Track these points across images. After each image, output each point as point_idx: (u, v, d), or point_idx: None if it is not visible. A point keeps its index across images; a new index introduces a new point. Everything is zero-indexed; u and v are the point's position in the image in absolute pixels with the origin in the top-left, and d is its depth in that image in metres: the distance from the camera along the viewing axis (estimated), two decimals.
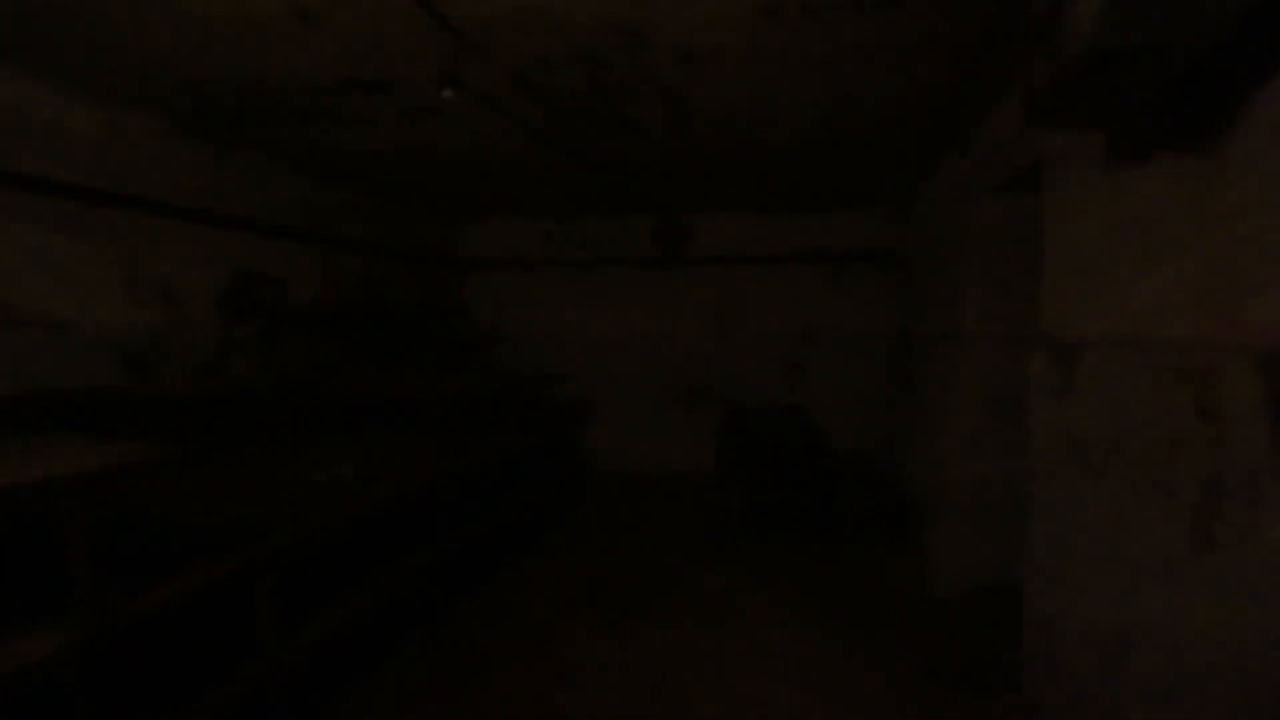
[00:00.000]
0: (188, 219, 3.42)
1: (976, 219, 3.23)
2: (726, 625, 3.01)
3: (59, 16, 2.20)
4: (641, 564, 3.77)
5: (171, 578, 1.74)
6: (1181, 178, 1.44)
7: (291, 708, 2.20)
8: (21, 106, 2.83)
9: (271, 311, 3.89)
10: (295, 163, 3.93)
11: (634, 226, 5.78)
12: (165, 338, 3.36)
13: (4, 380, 2.80)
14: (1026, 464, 2.34)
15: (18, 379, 2.86)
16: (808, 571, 3.66)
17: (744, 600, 3.28)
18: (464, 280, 6.19)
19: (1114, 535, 1.70)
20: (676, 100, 2.93)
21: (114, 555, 1.76)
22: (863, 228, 5.35)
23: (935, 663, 2.66)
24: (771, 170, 4.08)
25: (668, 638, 2.88)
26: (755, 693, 2.46)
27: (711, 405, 5.74)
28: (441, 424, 3.53)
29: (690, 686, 2.50)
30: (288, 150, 3.68)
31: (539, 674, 2.60)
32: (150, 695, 1.77)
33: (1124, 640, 1.63)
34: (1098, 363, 1.82)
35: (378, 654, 2.72)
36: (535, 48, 2.33)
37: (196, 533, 2.09)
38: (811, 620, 3.05)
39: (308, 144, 3.55)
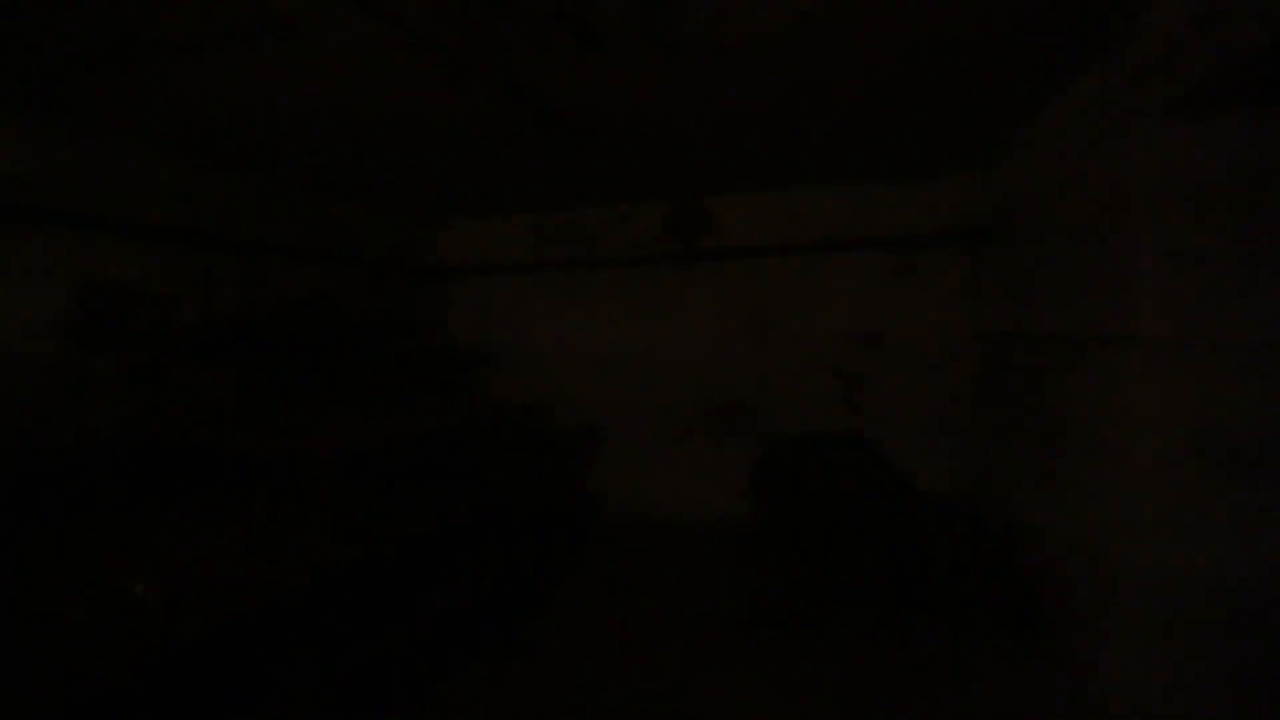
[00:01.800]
0: (6, 221, 2.49)
1: (1148, 158, 2.00)
2: None
3: None
4: (651, 671, 2.64)
5: None
6: None
7: None
8: None
9: (148, 338, 2.94)
10: (169, 139, 2.97)
11: (642, 215, 4.66)
12: None
13: None
14: None
15: None
16: (892, 684, 2.46)
17: None
18: (444, 291, 5.19)
19: None
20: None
21: None
22: (940, 199, 4.09)
23: None
24: (814, 126, 2.92)
25: None
26: None
27: (746, 432, 4.55)
28: (342, 488, 2.49)
29: None
30: (149, 116, 2.71)
31: None
32: None
33: None
34: None
35: None
36: None
37: None
38: None
39: (171, 104, 2.57)
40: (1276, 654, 1.94)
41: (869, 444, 3.95)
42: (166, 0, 1.83)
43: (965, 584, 2.97)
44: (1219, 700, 1.99)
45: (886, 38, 2.16)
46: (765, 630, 2.98)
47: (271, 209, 3.66)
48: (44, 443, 2.55)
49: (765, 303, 4.49)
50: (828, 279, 4.36)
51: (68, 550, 2.13)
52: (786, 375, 4.46)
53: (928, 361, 4.19)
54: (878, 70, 2.40)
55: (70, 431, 2.63)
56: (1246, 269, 1.95)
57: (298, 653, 2.07)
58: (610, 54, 2.21)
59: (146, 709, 1.61)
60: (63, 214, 2.63)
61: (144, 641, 1.58)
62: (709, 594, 3.42)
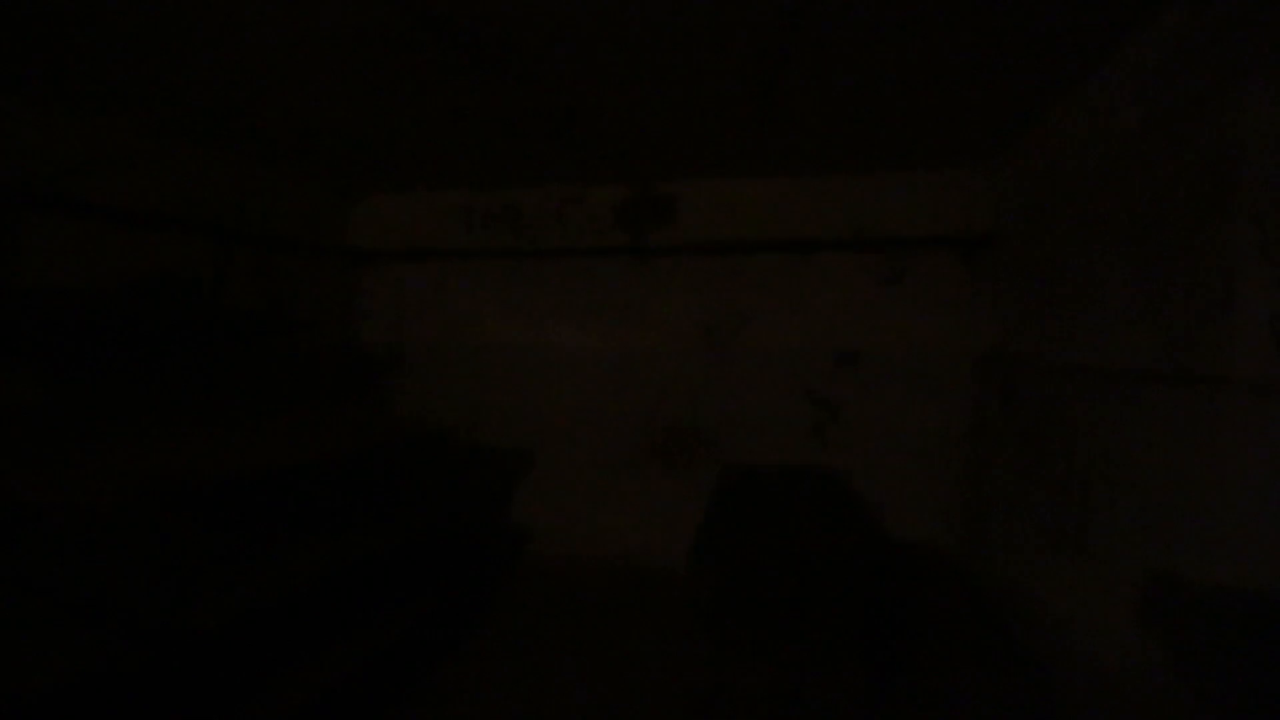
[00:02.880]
0: None
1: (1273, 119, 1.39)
2: None
3: None
4: None
5: None
6: None
7: None
8: None
9: None
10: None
11: (590, 200, 3.97)
12: None
13: None
14: None
15: None
16: None
17: None
18: (354, 278, 4.40)
19: None
20: None
21: None
22: (938, 196, 3.49)
23: None
24: (792, 98, 2.28)
25: None
26: None
27: (704, 461, 3.89)
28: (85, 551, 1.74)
29: None
30: None
31: None
32: None
33: None
34: None
35: None
36: None
37: None
38: None
39: None
40: None
41: (840, 480, 3.32)
42: None
43: (961, 678, 2.33)
44: None
45: None
46: None
47: (104, 162, 2.84)
48: None
49: (730, 309, 3.84)
50: (803, 284, 3.73)
51: None
52: (752, 396, 3.81)
53: (914, 386, 3.58)
54: (885, 21, 1.75)
55: None
56: None
57: None
58: None
59: None
60: None
61: None
62: (647, 668, 2.73)
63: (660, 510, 3.93)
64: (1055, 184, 2.56)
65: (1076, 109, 2.36)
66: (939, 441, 3.53)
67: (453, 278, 4.24)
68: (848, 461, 3.64)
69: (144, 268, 2.96)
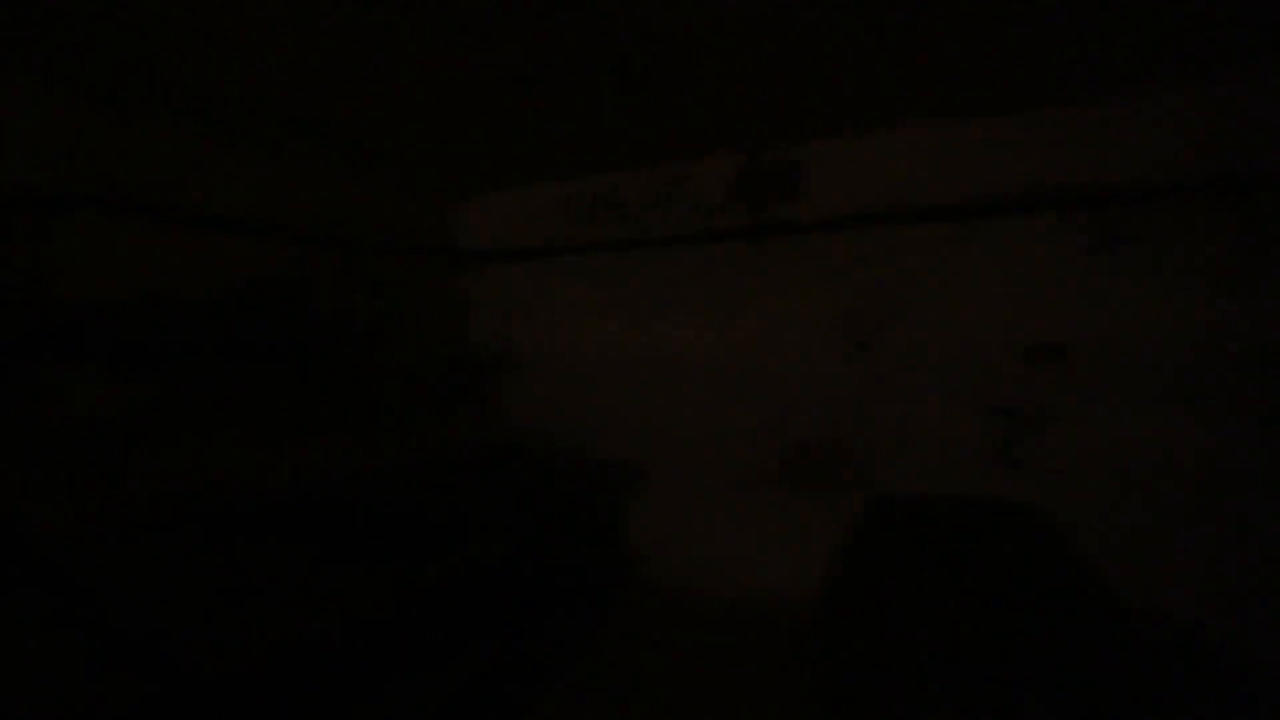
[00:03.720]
0: None
1: None
2: None
3: None
4: None
5: None
6: None
7: None
8: None
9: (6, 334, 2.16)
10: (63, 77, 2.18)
11: (700, 177, 3.41)
12: None
13: None
14: None
15: None
16: None
17: None
18: (462, 280, 4.23)
19: None
20: None
21: None
22: (1169, 124, 2.48)
23: None
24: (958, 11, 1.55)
25: None
26: None
27: (843, 484, 3.15)
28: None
29: None
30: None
31: None
32: None
33: None
34: None
35: None
36: None
37: None
38: None
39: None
40: None
41: (1040, 520, 2.43)
42: None
43: None
44: None
45: None
46: None
47: (222, 173, 2.82)
48: None
49: (875, 297, 3.07)
50: (973, 259, 2.87)
51: None
52: (908, 405, 3.00)
53: (1153, 391, 2.57)
54: None
55: None
56: None
57: None
58: None
59: None
60: None
61: None
62: None
63: (788, 539, 3.24)
64: None
65: None
66: (1195, 467, 2.49)
67: (556, 275, 3.89)
68: (1049, 494, 2.71)
69: (246, 275, 2.92)
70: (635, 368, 3.64)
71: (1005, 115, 2.72)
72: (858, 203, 3.04)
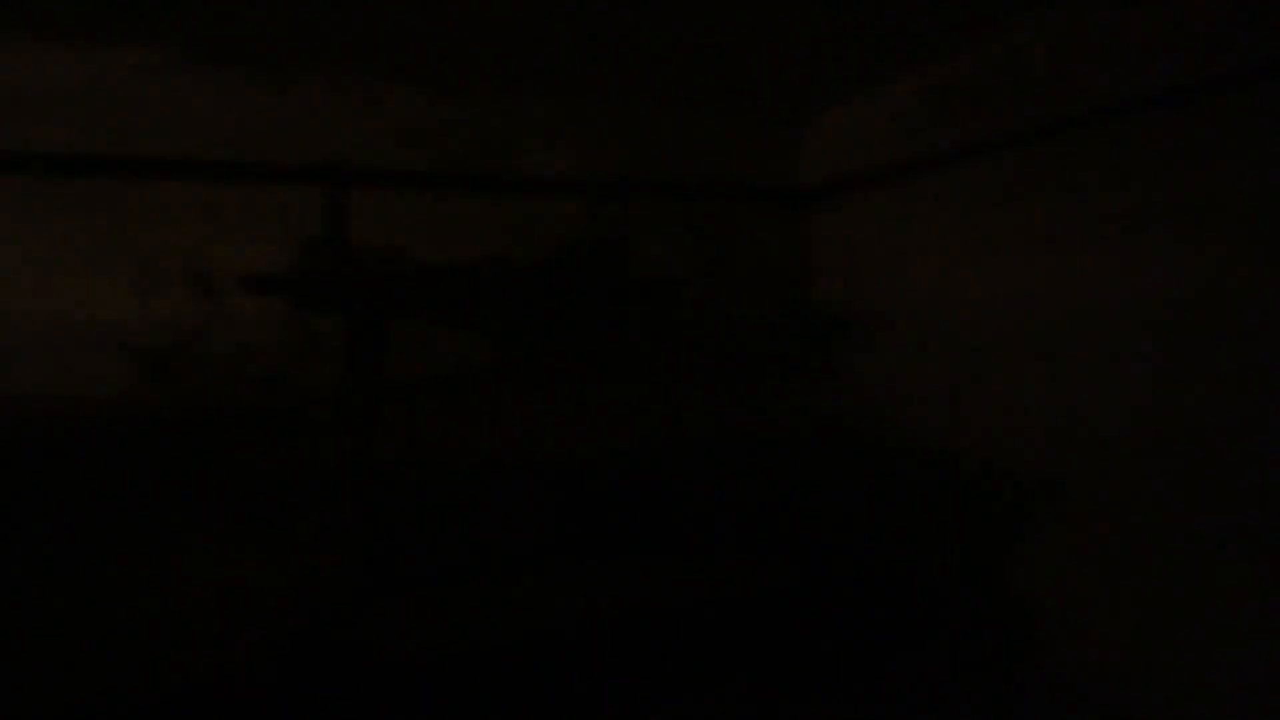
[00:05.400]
0: (219, 179, 2.52)
1: None
2: None
3: None
4: None
5: None
6: None
7: None
8: None
9: (367, 293, 2.79)
10: (402, 69, 2.66)
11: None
12: (199, 336, 2.53)
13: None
14: None
15: (9, 385, 2.32)
16: None
17: None
18: (802, 224, 3.50)
19: None
20: None
21: None
22: None
23: None
24: None
25: None
26: None
27: None
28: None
29: None
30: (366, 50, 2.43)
31: None
32: None
33: None
34: None
35: None
36: None
37: None
38: None
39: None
40: None
41: None
42: None
43: None
44: None
45: None
46: None
47: (530, 135, 2.96)
48: (269, 403, 2.56)
49: None
50: None
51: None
52: None
53: None
54: None
55: (292, 394, 2.61)
56: None
57: None
58: None
59: None
60: (276, 167, 2.59)
61: None
62: None
63: None
64: None
65: None
66: None
67: (919, 202, 2.85)
68: None
69: (568, 235, 2.99)
70: (1035, 331, 2.36)
71: None
72: None
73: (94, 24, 2.17)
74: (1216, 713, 1.88)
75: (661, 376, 3.07)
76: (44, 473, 2.21)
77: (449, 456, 2.33)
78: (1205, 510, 1.92)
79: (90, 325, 2.41)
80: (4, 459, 2.22)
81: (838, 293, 3.36)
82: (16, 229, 2.37)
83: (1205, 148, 1.98)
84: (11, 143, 2.33)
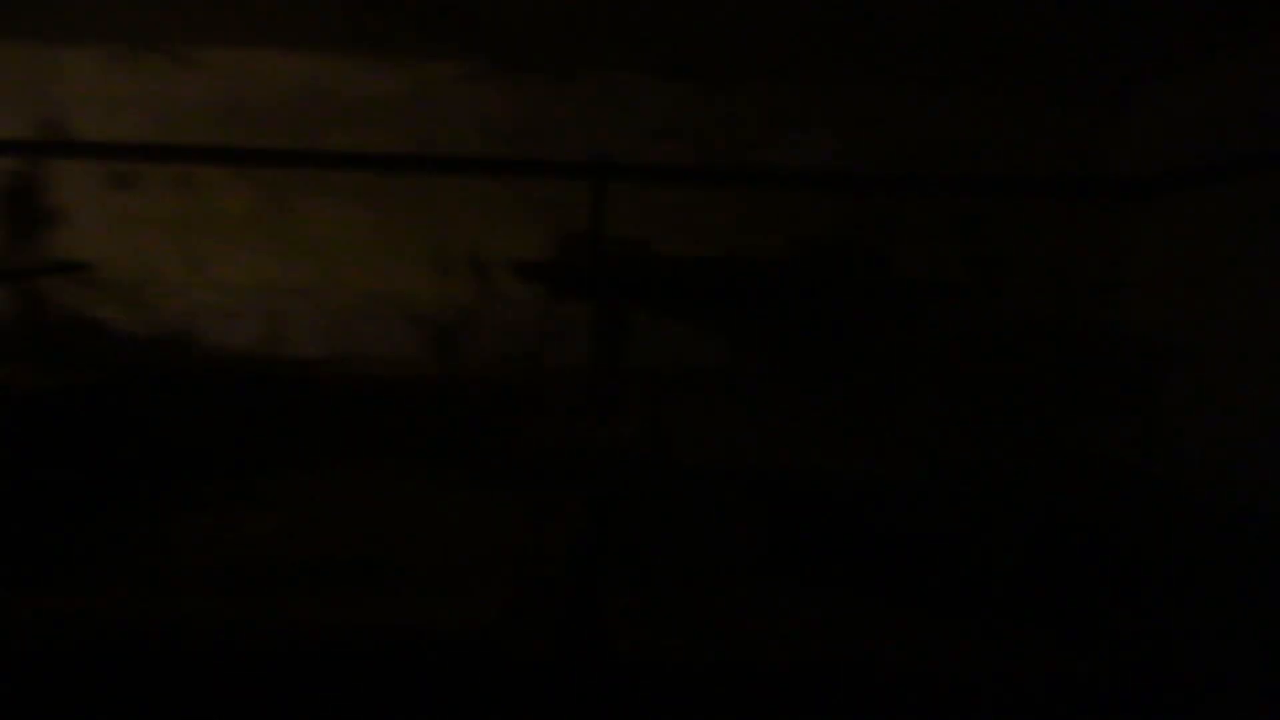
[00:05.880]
0: (495, 174, 2.77)
1: None
2: None
3: None
4: None
5: None
6: None
7: None
8: (321, 81, 2.72)
9: (615, 283, 2.89)
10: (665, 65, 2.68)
11: None
12: (474, 316, 2.82)
13: (318, 348, 2.79)
14: None
15: (332, 349, 2.81)
16: None
17: None
18: (1115, 226, 2.87)
19: None
20: None
21: None
22: None
23: None
24: None
25: None
26: None
27: None
28: None
29: None
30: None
31: None
32: None
33: None
34: None
35: None
36: None
37: None
38: None
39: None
40: None
41: None
42: None
43: None
44: None
45: None
46: None
47: (785, 126, 2.85)
48: (525, 380, 2.78)
49: None
50: None
51: None
52: None
53: None
54: None
55: (542, 373, 2.81)
56: None
57: None
58: None
59: None
60: (547, 163, 2.78)
61: None
62: None
63: None
64: None
65: None
66: None
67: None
68: None
69: (820, 232, 2.85)
70: None
71: None
72: None
73: (421, 42, 2.50)
74: None
75: (916, 393, 2.76)
76: (358, 421, 2.64)
77: (682, 453, 2.31)
78: None
79: (394, 300, 2.82)
80: (326, 410, 2.69)
81: (1155, 312, 2.68)
82: (346, 217, 2.85)
83: None
84: (342, 145, 2.79)
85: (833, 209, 2.84)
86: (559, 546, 1.68)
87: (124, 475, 2.32)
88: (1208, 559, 1.84)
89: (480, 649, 1.40)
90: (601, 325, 2.86)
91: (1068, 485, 2.34)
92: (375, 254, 2.80)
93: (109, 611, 1.43)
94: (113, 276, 2.75)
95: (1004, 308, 2.88)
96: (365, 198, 2.76)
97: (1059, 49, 2.39)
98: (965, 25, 2.21)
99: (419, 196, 2.79)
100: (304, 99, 2.69)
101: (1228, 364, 2.30)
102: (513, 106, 2.76)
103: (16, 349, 2.67)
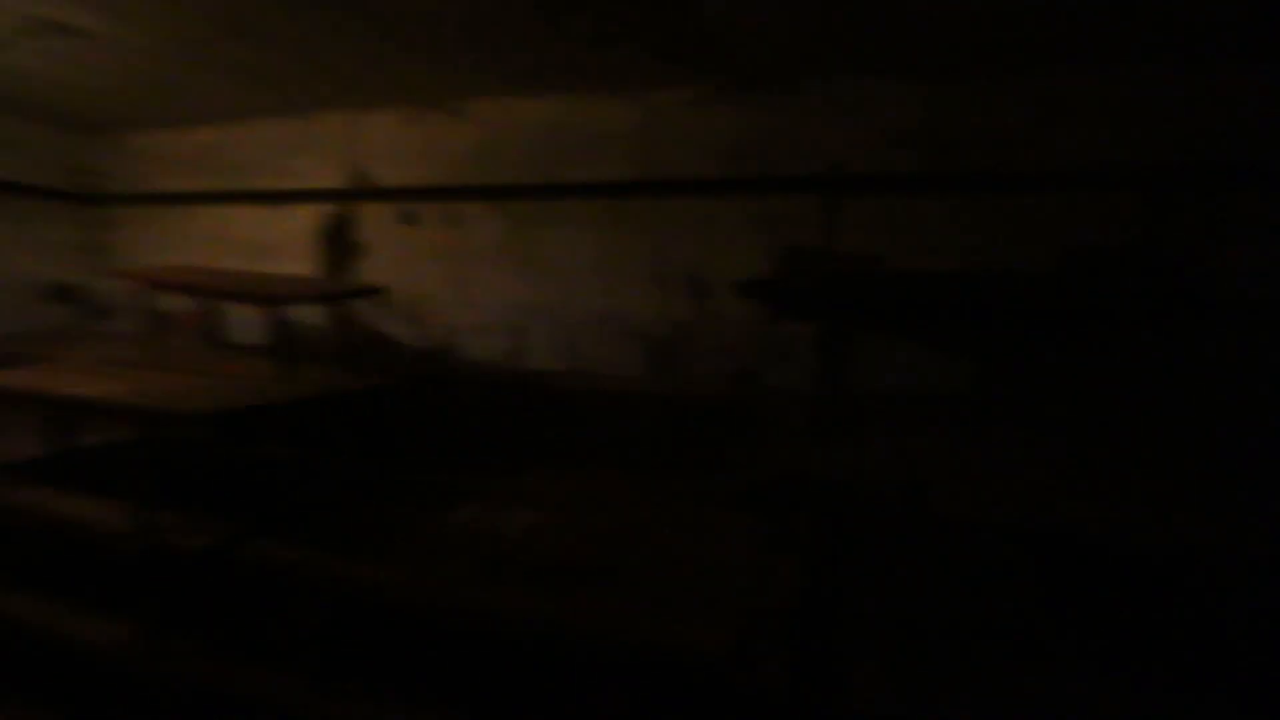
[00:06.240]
0: (718, 193, 2.78)
1: None
2: None
3: None
4: None
5: None
6: None
7: None
8: (561, 121, 2.94)
9: (844, 302, 2.72)
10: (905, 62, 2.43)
11: None
12: (694, 332, 2.86)
13: (554, 361, 3.04)
14: None
15: (566, 362, 3.04)
16: None
17: None
18: None
19: None
20: None
21: None
22: None
23: None
24: None
25: None
26: None
27: None
28: None
29: None
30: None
31: None
32: None
33: None
34: None
35: None
36: None
37: None
38: None
39: None
40: None
41: None
42: None
43: None
44: None
45: None
46: None
47: (1045, 121, 2.43)
48: (741, 398, 2.76)
49: None
50: None
51: None
52: None
53: None
54: None
55: (760, 393, 2.76)
56: None
57: None
58: None
59: None
60: (769, 178, 2.71)
61: None
62: None
63: None
64: None
65: None
66: None
67: None
68: None
69: (1085, 238, 2.44)
70: None
71: None
72: None
73: (655, 71, 2.61)
74: None
75: (1234, 439, 2.18)
76: (588, 428, 2.85)
77: (935, 495, 2.07)
78: None
79: (618, 318, 2.98)
80: (561, 417, 2.94)
81: None
82: (578, 240, 3.07)
83: None
84: (579, 177, 3.02)
85: (1114, 212, 2.37)
86: (792, 577, 1.61)
87: (407, 465, 2.77)
88: None
89: (714, 674, 1.40)
90: (827, 345, 2.72)
91: None
92: (602, 274, 2.99)
93: (395, 590, 1.70)
94: (398, 298, 3.29)
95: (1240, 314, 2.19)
96: (596, 223, 2.96)
97: None
98: None
99: (642, 219, 2.92)
100: (548, 138, 2.97)
101: None
102: (739, 125, 2.76)
103: (332, 357, 3.31)
